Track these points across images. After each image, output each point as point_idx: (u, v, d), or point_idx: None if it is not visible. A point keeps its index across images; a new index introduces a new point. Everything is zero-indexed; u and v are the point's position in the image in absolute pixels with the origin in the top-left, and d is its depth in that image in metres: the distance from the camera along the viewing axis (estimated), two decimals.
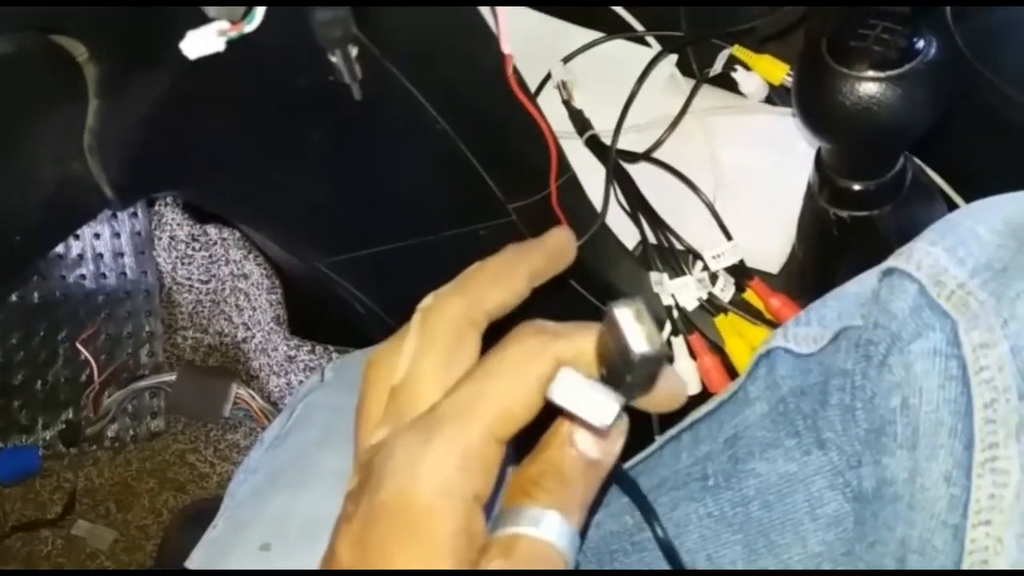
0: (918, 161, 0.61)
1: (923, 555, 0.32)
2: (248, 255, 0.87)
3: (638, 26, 0.67)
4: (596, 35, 0.68)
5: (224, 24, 0.29)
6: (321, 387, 0.55)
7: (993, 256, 0.33)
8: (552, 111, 0.65)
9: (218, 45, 0.29)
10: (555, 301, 0.32)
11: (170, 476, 0.89)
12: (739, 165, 0.61)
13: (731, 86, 0.64)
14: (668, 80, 0.66)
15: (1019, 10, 0.57)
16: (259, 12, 0.28)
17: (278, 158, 0.46)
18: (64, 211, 0.41)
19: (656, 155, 0.63)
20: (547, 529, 0.26)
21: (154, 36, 0.33)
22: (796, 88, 0.42)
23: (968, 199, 0.59)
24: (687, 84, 0.65)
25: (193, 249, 0.90)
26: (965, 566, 0.30)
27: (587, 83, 0.66)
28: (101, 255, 0.91)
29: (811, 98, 0.40)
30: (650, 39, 0.66)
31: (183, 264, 0.90)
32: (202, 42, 0.29)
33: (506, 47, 0.34)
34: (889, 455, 0.34)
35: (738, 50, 0.61)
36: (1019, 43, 0.56)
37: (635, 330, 0.25)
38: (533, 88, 0.67)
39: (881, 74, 0.38)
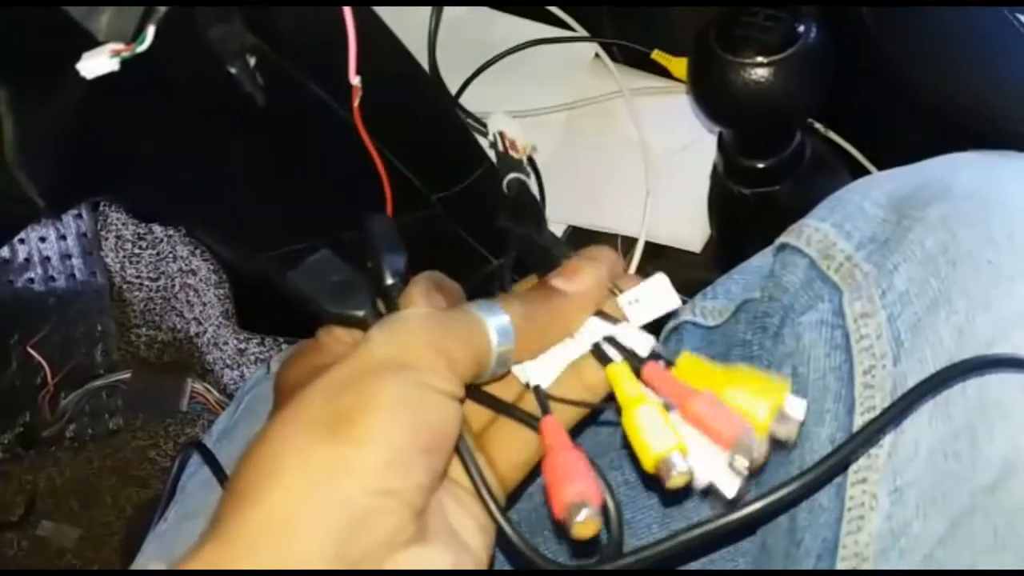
0: (834, 135, 0.63)
1: (811, 512, 0.34)
2: (195, 251, 0.87)
3: (565, 17, 0.68)
4: (523, 22, 0.69)
5: (117, 45, 0.30)
6: (267, 379, 0.56)
7: (877, 229, 0.36)
8: (485, 97, 0.67)
9: (112, 65, 0.30)
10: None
11: (132, 472, 0.90)
12: (663, 146, 0.63)
13: (661, 70, 0.65)
14: (593, 62, 0.67)
15: None
16: (150, 32, 0.30)
17: (201, 162, 0.47)
18: None
19: (585, 138, 0.65)
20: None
21: (56, 55, 0.33)
22: (690, 77, 0.44)
23: (881, 168, 0.61)
24: (613, 66, 0.67)
25: (140, 248, 0.90)
26: (845, 521, 0.32)
27: (513, 69, 0.68)
28: (48, 258, 0.91)
29: (704, 86, 0.42)
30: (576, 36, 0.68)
31: (131, 263, 0.91)
32: (97, 63, 0.30)
33: (354, 79, 0.35)
34: None
35: (658, 54, 0.63)
36: (923, 19, 0.58)
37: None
38: (464, 78, 0.68)
39: (766, 59, 0.40)
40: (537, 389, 0.31)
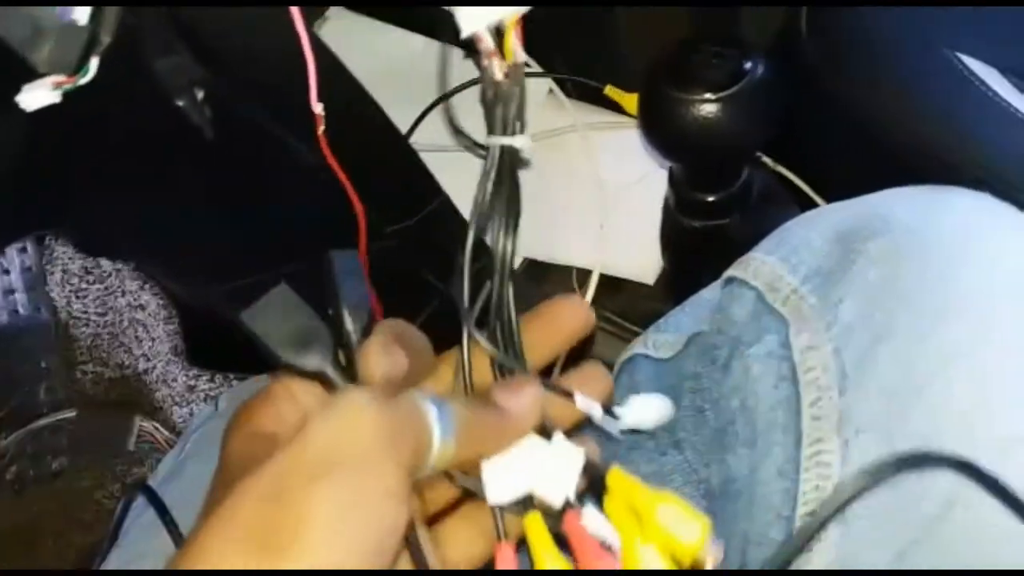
0: (782, 168, 0.64)
1: (761, 546, 0.34)
2: (144, 285, 0.86)
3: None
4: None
5: (59, 76, 0.30)
6: (215, 417, 0.55)
7: (822, 262, 0.36)
8: (441, 132, 0.67)
9: (54, 97, 0.30)
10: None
11: (76, 515, 0.87)
12: (616, 180, 0.64)
13: (614, 105, 0.66)
14: (547, 97, 0.68)
15: (869, 15, 0.60)
16: (93, 64, 0.29)
17: (149, 194, 0.47)
18: None
19: (539, 172, 0.65)
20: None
21: None
22: (640, 114, 0.44)
23: (829, 200, 0.62)
24: (568, 101, 0.68)
25: (87, 282, 0.88)
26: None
27: (468, 104, 0.68)
28: None
29: (654, 122, 0.43)
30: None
31: (78, 298, 0.89)
32: (38, 96, 0.30)
33: (316, 107, 0.35)
34: (732, 453, 0.37)
35: (610, 90, 0.64)
36: (865, 48, 0.60)
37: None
38: (419, 111, 0.68)
39: (714, 96, 0.41)
40: (494, 511, 0.29)
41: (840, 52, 0.59)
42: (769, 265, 0.37)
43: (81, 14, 0.28)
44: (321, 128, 0.38)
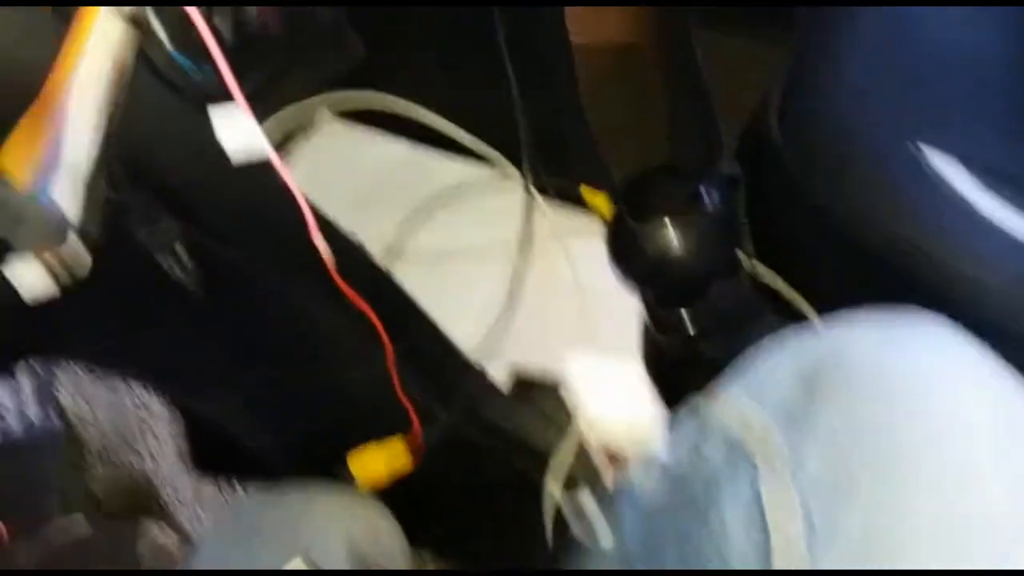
0: (760, 266, 0.65)
1: None
2: (147, 388, 0.87)
3: (497, 156, 0.71)
4: (456, 164, 0.73)
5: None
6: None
7: (787, 399, 0.36)
8: (421, 239, 0.70)
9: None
10: None
11: None
12: (597, 284, 0.65)
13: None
14: (525, 200, 0.70)
15: (835, 110, 0.62)
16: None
17: (136, 330, 0.49)
18: None
19: (520, 275, 0.67)
20: None
21: None
22: (608, 245, 0.46)
23: (809, 300, 0.63)
24: (545, 204, 0.69)
25: (95, 386, 0.90)
26: None
27: (448, 210, 0.71)
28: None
29: (619, 252, 0.45)
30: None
31: (86, 401, 0.90)
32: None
33: (320, 243, 0.37)
34: None
35: (585, 191, 0.66)
36: (834, 146, 0.61)
37: None
38: (404, 214, 0.71)
39: (672, 223, 0.43)
40: None
41: (814, 157, 0.60)
42: (736, 399, 0.38)
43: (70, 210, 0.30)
44: (331, 262, 0.39)
